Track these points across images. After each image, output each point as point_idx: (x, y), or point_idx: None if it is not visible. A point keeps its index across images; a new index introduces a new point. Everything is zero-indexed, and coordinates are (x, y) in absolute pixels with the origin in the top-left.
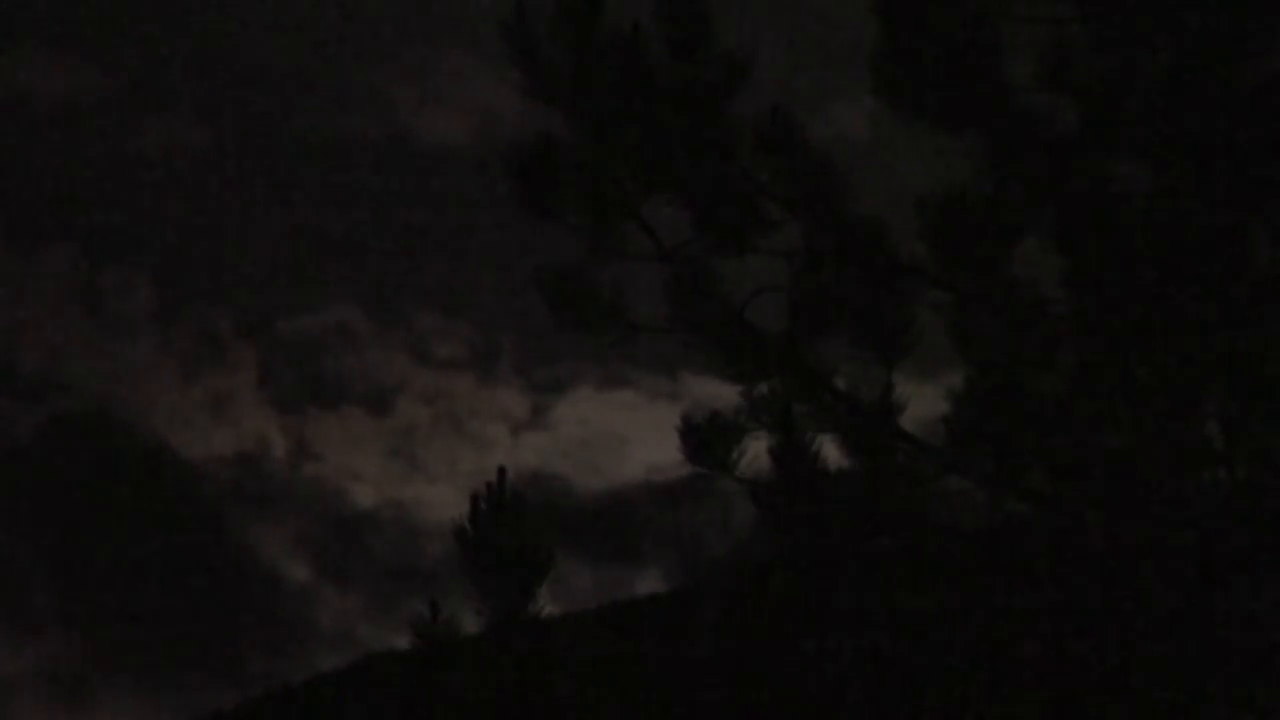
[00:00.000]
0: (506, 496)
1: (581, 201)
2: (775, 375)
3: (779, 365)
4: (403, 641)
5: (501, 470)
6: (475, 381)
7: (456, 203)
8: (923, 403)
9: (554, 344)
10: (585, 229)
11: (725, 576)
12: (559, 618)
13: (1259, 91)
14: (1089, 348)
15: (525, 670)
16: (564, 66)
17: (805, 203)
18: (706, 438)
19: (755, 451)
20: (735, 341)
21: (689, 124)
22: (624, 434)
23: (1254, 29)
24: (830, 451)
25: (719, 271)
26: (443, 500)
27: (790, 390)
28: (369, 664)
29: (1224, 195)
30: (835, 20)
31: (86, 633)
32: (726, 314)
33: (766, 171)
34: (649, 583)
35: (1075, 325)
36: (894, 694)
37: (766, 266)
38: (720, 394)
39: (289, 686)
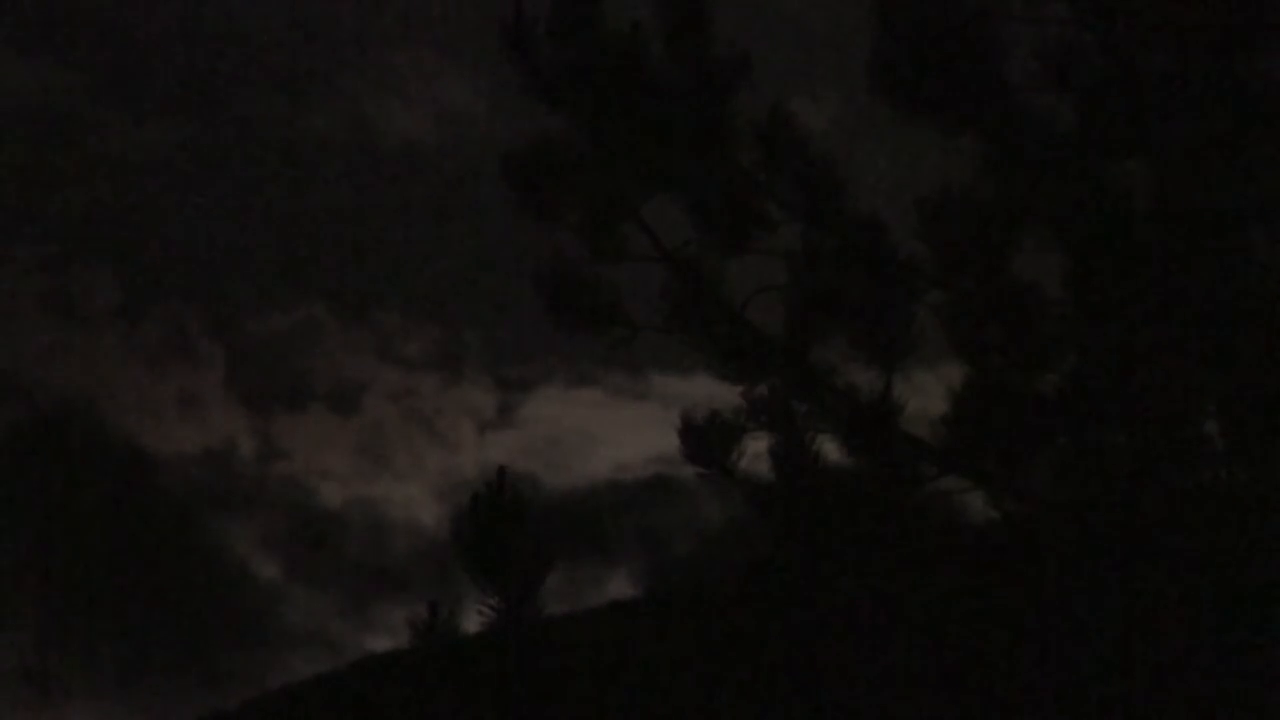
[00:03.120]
0: (506, 496)
1: (581, 201)
2: (775, 375)
3: (779, 365)
4: (376, 640)
5: (501, 470)
6: (442, 380)
7: (421, 201)
8: (922, 403)
9: (521, 342)
10: (585, 229)
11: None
12: (559, 618)
13: (1259, 91)
14: (1089, 348)
15: (525, 670)
16: (563, 66)
17: (805, 203)
18: (706, 438)
19: (755, 451)
20: (735, 341)
21: (689, 124)
22: (592, 432)
23: (1254, 29)
24: (830, 451)
25: (719, 271)
26: (411, 498)
27: (790, 390)
28: (368, 664)
29: (1224, 195)
30: (797, 15)
31: (56, 632)
32: (726, 314)
33: (766, 171)
34: (618, 581)
35: (1075, 325)
36: (893, 694)
37: (766, 266)
38: (689, 392)
39: (288, 687)
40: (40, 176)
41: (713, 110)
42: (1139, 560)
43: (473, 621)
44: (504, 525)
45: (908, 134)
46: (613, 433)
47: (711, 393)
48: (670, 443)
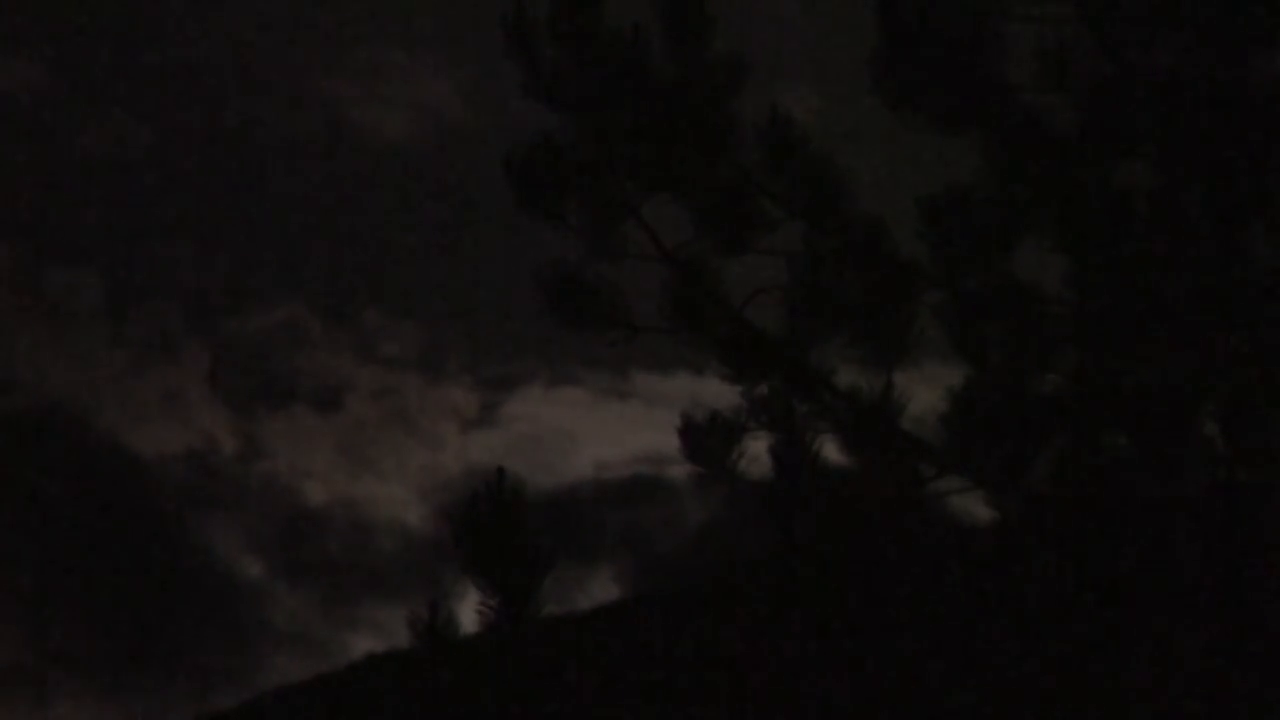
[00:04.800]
0: (506, 496)
1: (581, 201)
2: (775, 375)
3: (779, 365)
4: (360, 639)
5: (500, 470)
6: (424, 379)
7: (402, 200)
8: (923, 403)
9: (503, 341)
10: (585, 229)
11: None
12: (559, 617)
13: (1259, 91)
14: (1089, 348)
15: (525, 670)
16: (564, 66)
17: (805, 203)
18: (707, 437)
19: (755, 452)
20: (735, 341)
21: (689, 124)
22: (574, 431)
23: (1254, 29)
24: (830, 451)
25: (719, 271)
26: (394, 497)
27: (790, 390)
28: (369, 664)
29: (1224, 195)
30: (784, 15)
31: (39, 631)
32: (726, 314)
33: (766, 171)
34: (601, 581)
35: (1075, 325)
36: (893, 694)
37: (766, 266)
38: (671, 391)
39: (288, 687)
40: (19, 176)
41: (713, 110)
42: (1138, 560)
43: (473, 621)
44: (503, 525)
45: (896, 133)
46: (595, 432)
47: (694, 391)
48: (653, 441)
